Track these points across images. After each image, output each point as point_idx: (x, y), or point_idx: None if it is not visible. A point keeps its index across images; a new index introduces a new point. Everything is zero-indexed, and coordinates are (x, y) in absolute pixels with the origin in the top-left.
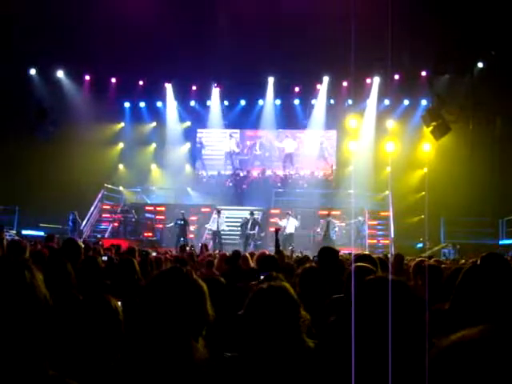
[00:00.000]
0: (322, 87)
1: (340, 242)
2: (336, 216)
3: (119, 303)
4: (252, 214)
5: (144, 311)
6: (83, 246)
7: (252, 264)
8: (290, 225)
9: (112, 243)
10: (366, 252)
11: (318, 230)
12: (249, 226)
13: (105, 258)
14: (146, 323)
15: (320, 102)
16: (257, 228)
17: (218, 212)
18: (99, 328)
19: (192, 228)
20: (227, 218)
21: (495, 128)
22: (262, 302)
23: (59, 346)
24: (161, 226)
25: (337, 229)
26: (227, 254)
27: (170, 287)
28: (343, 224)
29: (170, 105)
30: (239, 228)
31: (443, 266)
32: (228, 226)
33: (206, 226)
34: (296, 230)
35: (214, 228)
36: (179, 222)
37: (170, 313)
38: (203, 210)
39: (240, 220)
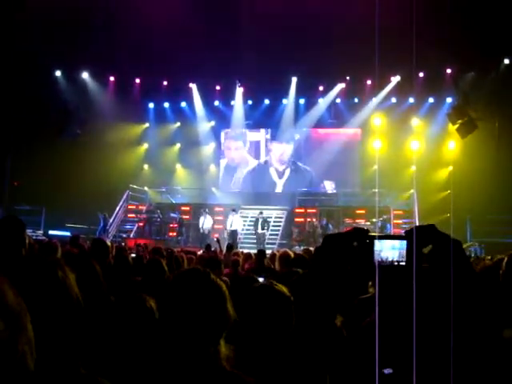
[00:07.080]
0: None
1: None
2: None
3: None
4: (261, 213)
5: (162, 314)
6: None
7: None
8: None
9: (136, 243)
10: None
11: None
12: (259, 226)
13: (133, 255)
14: (164, 326)
15: (340, 101)
16: (266, 227)
17: (233, 211)
18: (134, 328)
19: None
20: (252, 217)
21: None
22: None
23: (93, 347)
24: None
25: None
26: (252, 253)
27: (187, 288)
28: (368, 223)
29: (195, 105)
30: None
31: None
32: (249, 225)
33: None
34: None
35: (229, 228)
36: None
37: (188, 315)
38: (227, 209)
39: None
